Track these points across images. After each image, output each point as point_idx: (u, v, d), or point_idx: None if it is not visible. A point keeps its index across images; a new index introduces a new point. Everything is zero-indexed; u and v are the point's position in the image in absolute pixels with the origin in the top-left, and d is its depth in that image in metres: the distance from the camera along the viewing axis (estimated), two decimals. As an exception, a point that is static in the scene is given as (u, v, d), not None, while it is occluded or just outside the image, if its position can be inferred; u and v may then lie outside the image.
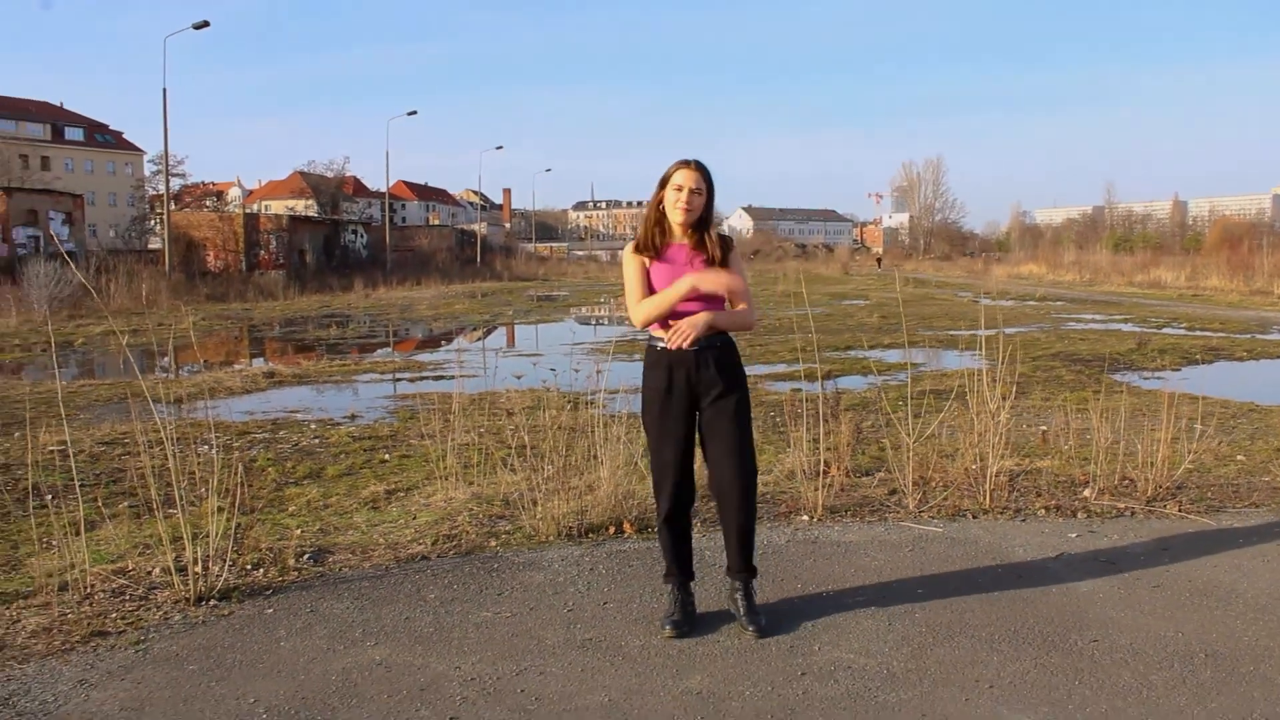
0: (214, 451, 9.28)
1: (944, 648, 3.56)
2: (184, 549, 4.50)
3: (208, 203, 60.11)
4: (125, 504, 6.51)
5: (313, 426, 9.97)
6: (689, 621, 3.78)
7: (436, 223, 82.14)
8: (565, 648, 3.65)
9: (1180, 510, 5.37)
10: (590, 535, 5.17)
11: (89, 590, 4.50)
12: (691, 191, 3.67)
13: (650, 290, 3.70)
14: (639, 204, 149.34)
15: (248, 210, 55.88)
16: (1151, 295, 31.75)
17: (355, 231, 55.71)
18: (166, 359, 16.87)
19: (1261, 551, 4.63)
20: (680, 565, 3.84)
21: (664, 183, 3.73)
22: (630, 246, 3.81)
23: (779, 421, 9.01)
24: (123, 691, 3.40)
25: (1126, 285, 37.81)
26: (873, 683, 3.28)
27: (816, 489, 5.60)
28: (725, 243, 3.79)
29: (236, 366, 15.92)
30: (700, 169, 3.70)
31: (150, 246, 52.96)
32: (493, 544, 5.08)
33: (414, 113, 52.47)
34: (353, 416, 10.67)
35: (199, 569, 4.43)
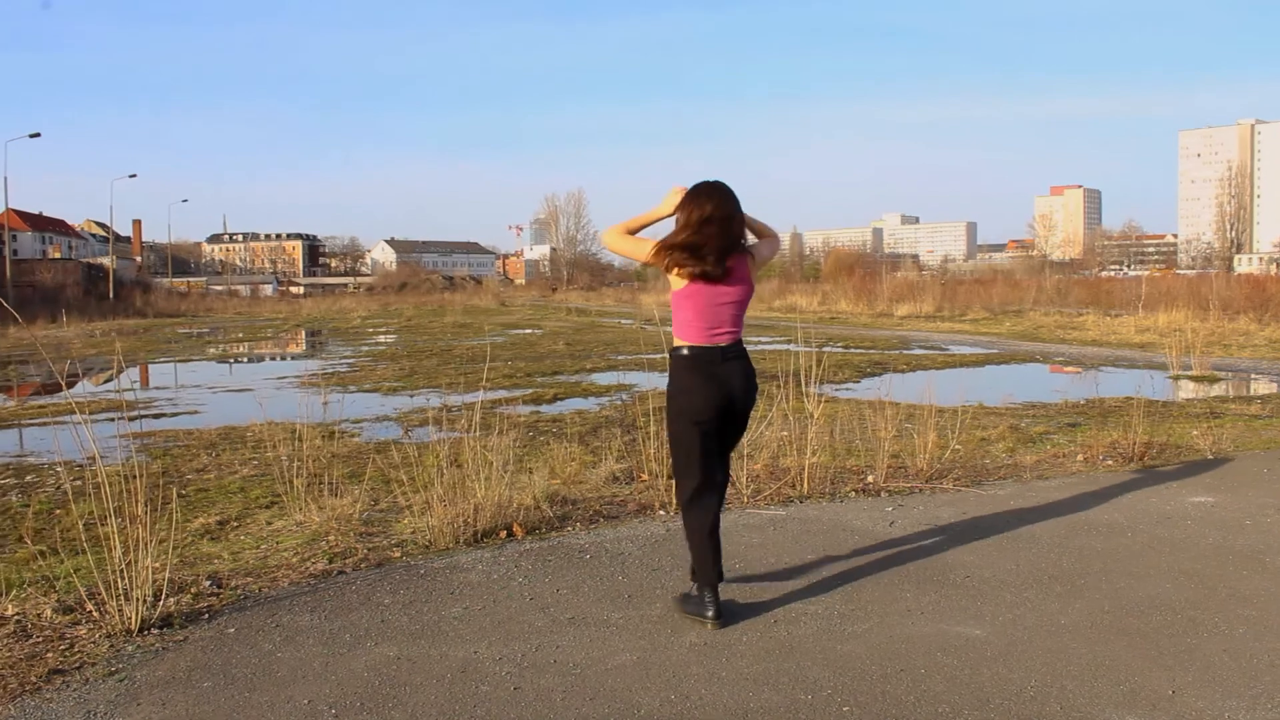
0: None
1: (864, 592, 4.41)
2: (59, 589, 4.45)
3: None
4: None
5: (59, 469, 9.32)
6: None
7: (58, 255, 74.47)
8: (558, 626, 4.12)
9: (954, 485, 6.63)
10: (485, 540, 5.56)
11: (-18, 638, 4.33)
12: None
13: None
14: (278, 236, 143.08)
15: None
16: (793, 318, 35.23)
17: (-37, 265, 49.49)
18: None
19: (1031, 508, 5.93)
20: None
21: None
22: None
23: (584, 435, 9.59)
24: (154, 712, 3.45)
25: (768, 310, 41.67)
26: (834, 621, 4.06)
27: (641, 490, 6.33)
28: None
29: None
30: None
31: None
32: (395, 556, 5.34)
33: (37, 135, 47.65)
34: (95, 458, 10.02)
35: (117, 603, 4.38)
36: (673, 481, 4.51)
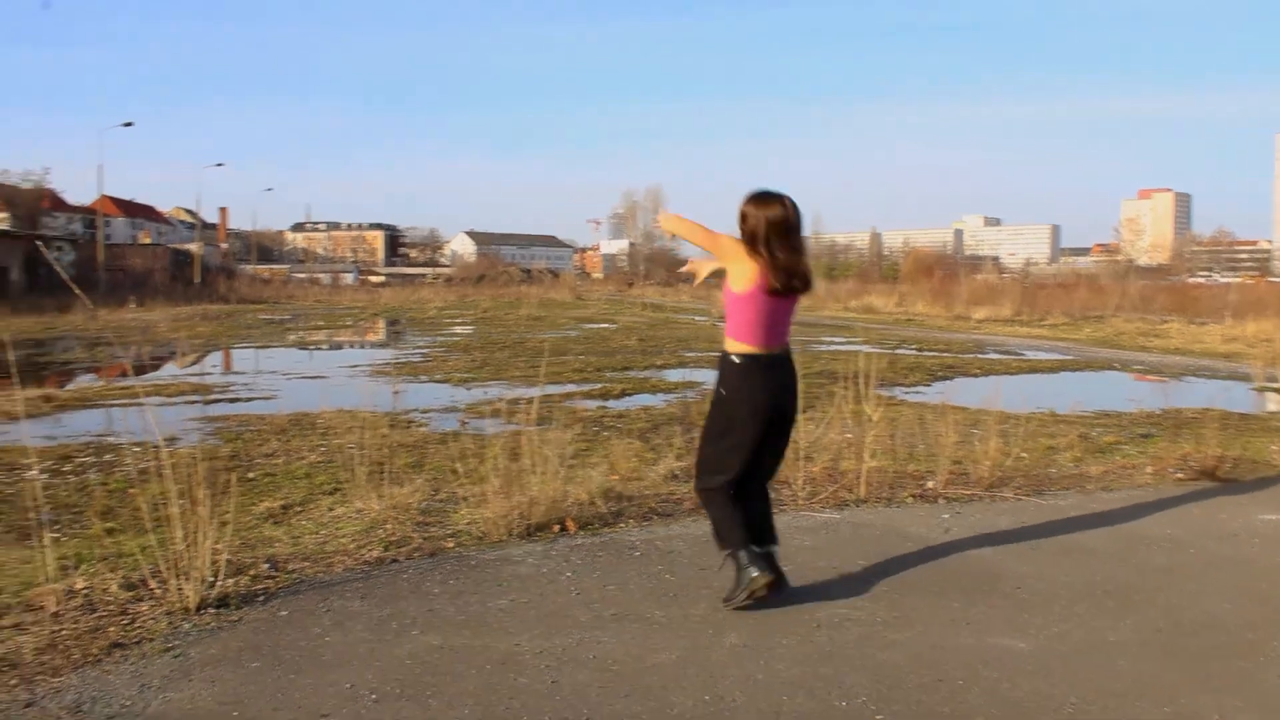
0: (47, 476, 8.89)
1: (910, 600, 4.37)
2: (131, 565, 4.60)
3: (-123, 214, 53.40)
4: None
5: (136, 450, 9.63)
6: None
7: (148, 241, 76.88)
8: (600, 622, 4.15)
9: (1015, 494, 6.52)
10: (539, 533, 5.62)
11: (53, 610, 4.50)
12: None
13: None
14: (359, 225, 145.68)
15: (-70, 223, 50.21)
16: (869, 319, 35.03)
17: (60, 249, 51.33)
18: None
19: (1091, 520, 5.81)
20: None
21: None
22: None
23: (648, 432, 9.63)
24: (202, 689, 3.56)
25: (844, 310, 41.31)
26: (877, 628, 4.03)
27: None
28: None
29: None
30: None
31: None
32: (449, 546, 5.43)
33: (130, 124, 49.26)
34: (174, 439, 10.35)
35: (181, 581, 4.53)
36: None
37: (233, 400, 13.84)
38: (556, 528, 5.73)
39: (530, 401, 8.89)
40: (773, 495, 6.63)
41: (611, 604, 4.37)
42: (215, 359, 21.70)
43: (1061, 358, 19.60)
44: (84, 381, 15.97)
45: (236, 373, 18.65)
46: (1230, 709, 3.26)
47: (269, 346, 24.74)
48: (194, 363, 20.70)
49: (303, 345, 25.49)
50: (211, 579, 4.64)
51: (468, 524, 5.85)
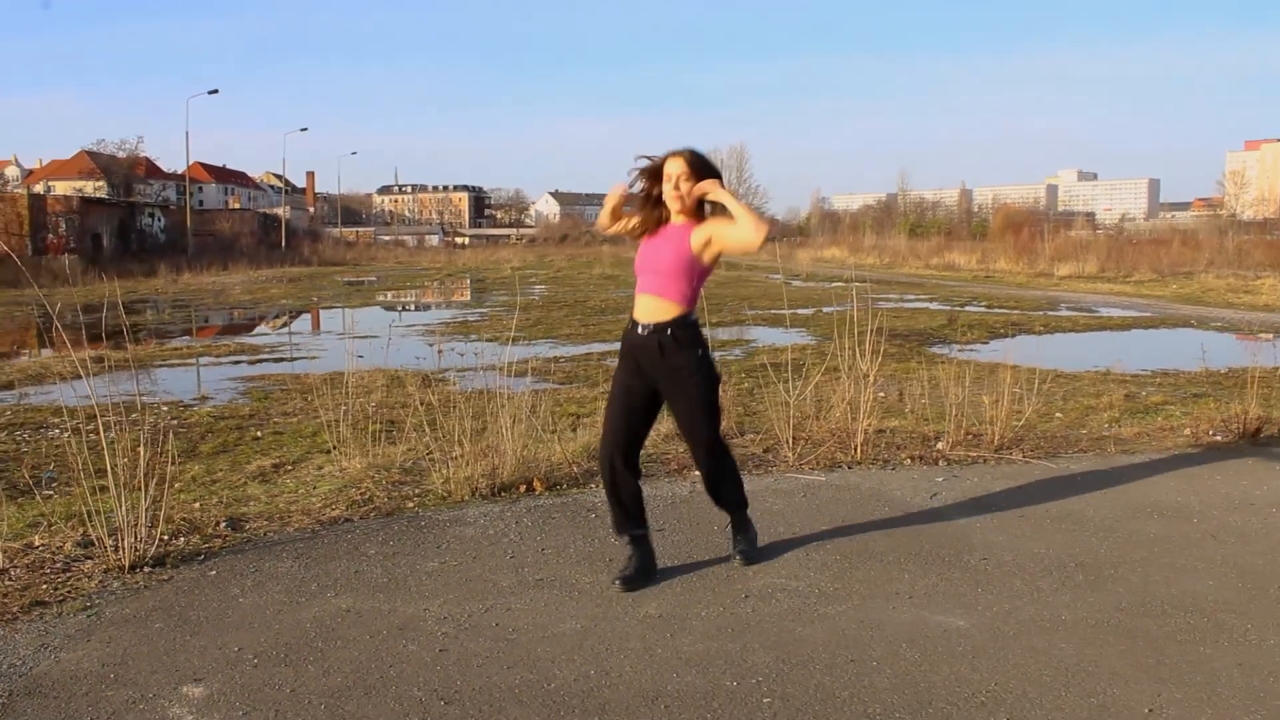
0: (67, 435, 8.98)
1: (860, 570, 4.05)
2: (90, 524, 4.51)
3: (-18, 181, 55.53)
4: (-6, 487, 6.31)
5: (165, 409, 9.72)
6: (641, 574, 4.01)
7: (237, 206, 78.68)
8: (521, 588, 3.94)
9: (1024, 456, 6.10)
10: (503, 494, 5.43)
11: (2, 566, 4.45)
12: (679, 178, 3.78)
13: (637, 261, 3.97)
14: (445, 188, 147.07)
15: (31, 191, 52.02)
16: (948, 277, 34.04)
17: (153, 215, 52.82)
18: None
19: (1097, 485, 5.38)
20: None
21: (655, 174, 3.85)
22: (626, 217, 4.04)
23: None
24: (95, 651, 3.45)
25: (924, 268, 40.26)
26: (810, 600, 3.73)
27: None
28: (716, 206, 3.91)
29: (54, 352, 15.08)
30: (687, 155, 3.80)
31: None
32: (409, 506, 5.27)
33: (215, 91, 50.28)
34: (204, 398, 10.45)
35: (121, 540, 4.44)
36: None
37: (277, 360, 13.98)
38: (523, 488, 5.53)
39: (566, 360, 8.68)
40: (765, 455, 6.40)
41: (542, 568, 4.15)
42: (280, 320, 22.02)
43: (1136, 314, 18.70)
44: (148, 342, 16.29)
45: (292, 333, 18.88)
46: (1166, 700, 2.89)
47: (335, 307, 25.05)
48: (267, 325, 21.03)
49: (366, 306, 25.73)
50: (149, 538, 4.55)
51: (443, 483, 5.68)
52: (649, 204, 3.91)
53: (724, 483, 4.22)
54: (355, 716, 2.90)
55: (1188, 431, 6.96)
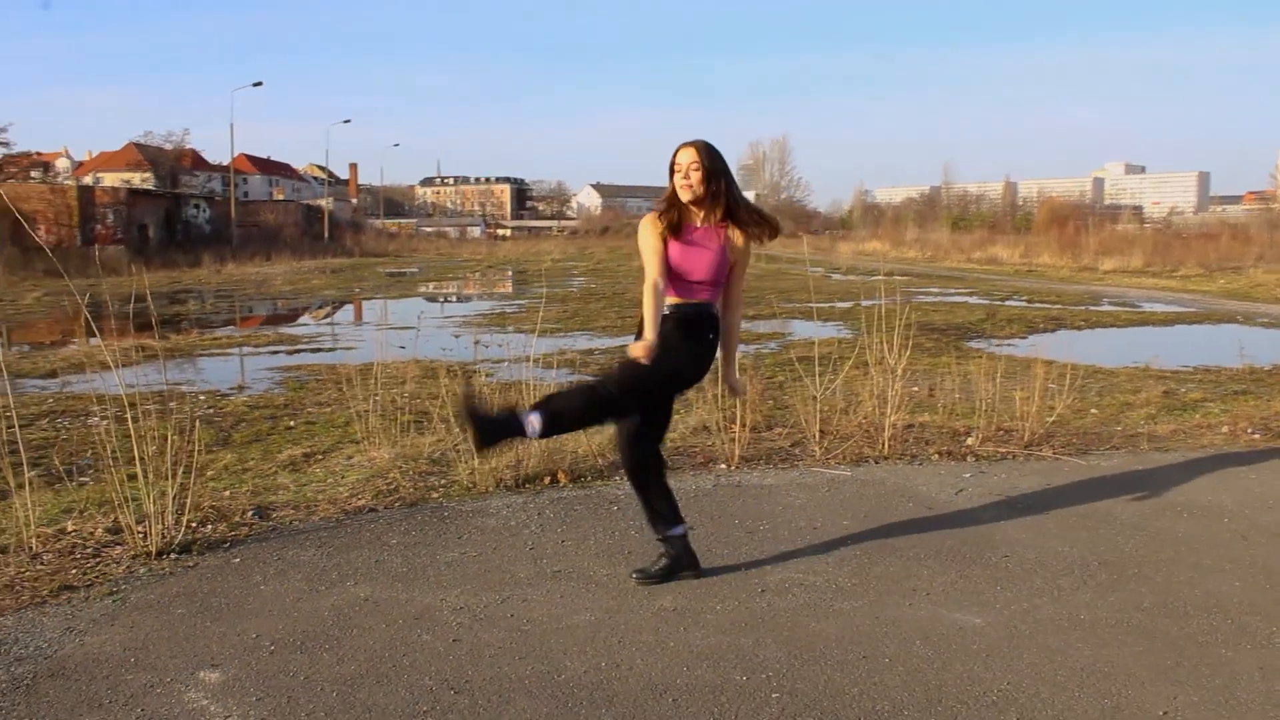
0: (106, 423, 9.13)
1: (879, 566, 4.03)
2: (121, 511, 4.59)
3: (34, 174, 56.47)
4: (34, 474, 6.42)
5: (202, 398, 9.86)
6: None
7: (281, 197, 79.49)
8: (538, 579, 3.95)
9: (1054, 453, 6.03)
10: (527, 485, 5.45)
11: (36, 551, 4.53)
12: (689, 167, 3.71)
13: (667, 263, 3.71)
14: (487, 180, 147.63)
15: (80, 182, 52.93)
16: (990, 271, 33.67)
17: (198, 206, 53.53)
18: None
19: (1127, 483, 5.30)
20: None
21: (671, 168, 3.77)
22: (651, 215, 3.82)
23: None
24: (118, 635, 3.52)
25: (966, 262, 39.85)
26: (826, 595, 3.71)
27: (726, 441, 6.04)
28: (752, 225, 3.81)
29: (96, 342, 15.35)
30: (697, 145, 3.74)
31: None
32: (434, 496, 5.31)
33: (259, 84, 50.76)
34: (241, 388, 10.58)
35: (150, 527, 4.52)
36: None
37: (315, 350, 14.12)
38: (547, 479, 5.55)
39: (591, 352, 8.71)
40: (792, 449, 6.37)
41: (560, 560, 4.16)
42: (322, 311, 22.24)
43: (1181, 310, 18.38)
44: (190, 332, 16.52)
45: (333, 323, 19.07)
46: (1183, 703, 2.84)
47: (375, 298, 25.26)
48: (309, 315, 21.25)
49: (405, 298, 25.92)
50: (176, 526, 4.62)
51: (469, 474, 5.71)
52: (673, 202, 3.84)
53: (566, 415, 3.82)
54: (366, 704, 2.93)
55: (1225, 429, 6.84)
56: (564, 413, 3.73)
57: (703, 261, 3.73)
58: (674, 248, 3.72)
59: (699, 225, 3.77)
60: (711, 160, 3.73)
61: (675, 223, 3.74)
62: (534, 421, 3.66)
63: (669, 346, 3.62)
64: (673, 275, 3.71)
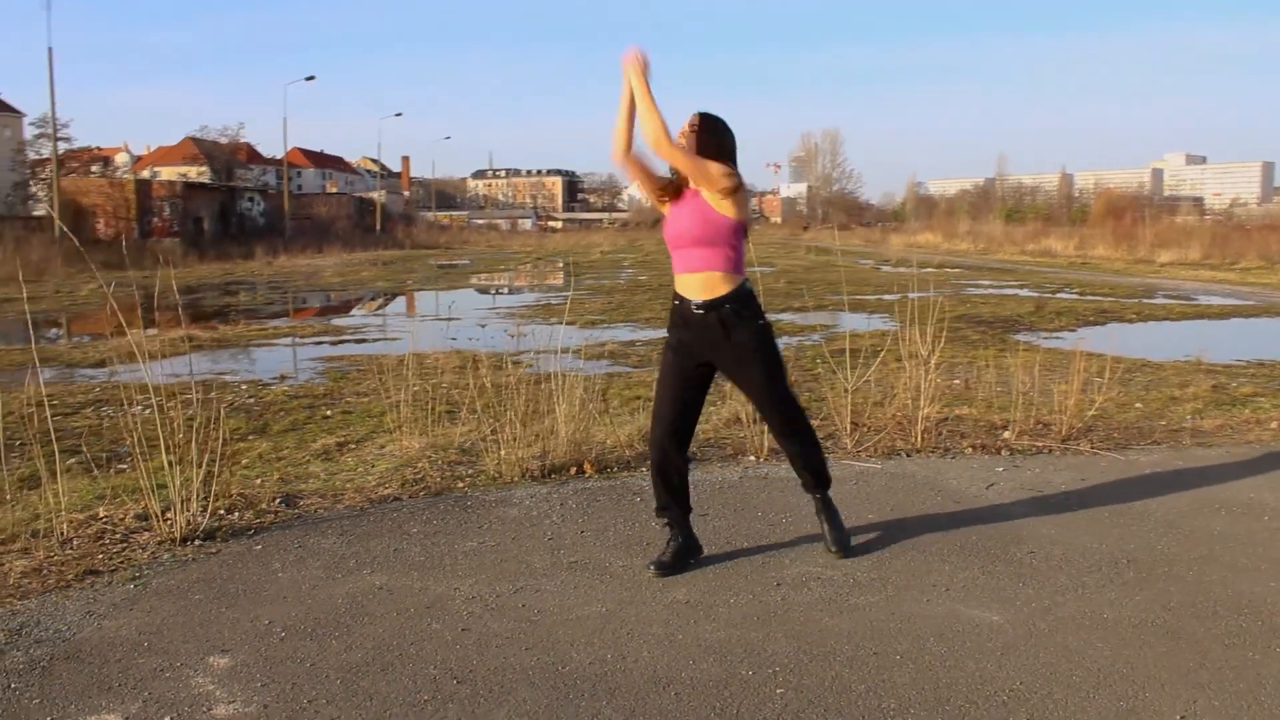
0: (148, 412, 9.26)
1: (900, 560, 3.95)
2: (149, 498, 4.64)
3: (94, 168, 57.72)
4: (72, 460, 6.53)
5: (244, 387, 9.98)
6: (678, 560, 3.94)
7: (334, 190, 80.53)
8: (554, 569, 3.93)
9: (1092, 447, 5.88)
10: (553, 476, 5.43)
11: (66, 536, 4.60)
12: (687, 127, 3.77)
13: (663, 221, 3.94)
14: (539, 172, 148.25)
15: (138, 176, 54.00)
16: (1043, 263, 33.11)
17: (252, 199, 54.39)
18: (57, 329, 16.48)
19: (1165, 479, 5.16)
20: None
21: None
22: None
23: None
24: (135, 619, 3.56)
25: (1019, 254, 39.25)
26: (842, 590, 3.64)
27: (757, 434, 5.97)
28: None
29: (151, 332, 15.63)
30: (703, 114, 3.80)
31: (35, 213, 50.75)
32: (460, 486, 5.31)
33: (312, 78, 51.41)
34: (283, 377, 10.69)
35: (175, 514, 4.56)
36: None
37: (359, 341, 14.24)
38: (573, 470, 5.53)
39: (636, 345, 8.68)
40: (824, 441, 6.28)
41: (578, 551, 4.14)
42: (374, 303, 22.46)
43: (1238, 303, 17.92)
44: (238, 322, 16.76)
45: (384, 314, 19.23)
46: (1202, 707, 2.74)
47: (423, 289, 25.45)
48: (361, 307, 21.47)
49: (454, 289, 26.08)
50: (203, 513, 4.66)
51: (496, 464, 5.71)
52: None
53: (801, 445, 4.00)
54: (368, 692, 2.92)
55: (1275, 425, 6.63)
56: (813, 457, 4.09)
57: (683, 221, 3.83)
58: (670, 211, 3.92)
59: (689, 189, 3.87)
60: (705, 125, 3.80)
61: (676, 187, 3.90)
62: (823, 493, 4.13)
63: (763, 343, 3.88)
64: (670, 243, 3.90)
